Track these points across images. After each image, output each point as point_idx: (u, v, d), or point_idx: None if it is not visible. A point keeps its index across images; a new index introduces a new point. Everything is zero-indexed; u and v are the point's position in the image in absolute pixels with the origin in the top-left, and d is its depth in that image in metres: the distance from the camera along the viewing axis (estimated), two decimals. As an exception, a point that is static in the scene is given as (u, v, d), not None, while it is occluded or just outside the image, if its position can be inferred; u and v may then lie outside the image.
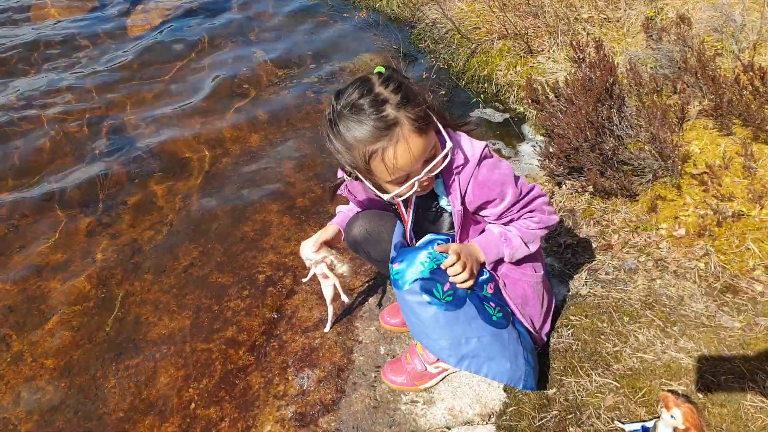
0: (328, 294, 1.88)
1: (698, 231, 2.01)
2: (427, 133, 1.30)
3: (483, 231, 1.59)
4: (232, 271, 2.39)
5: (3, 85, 3.99)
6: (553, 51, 3.29)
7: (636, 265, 1.99)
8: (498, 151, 2.92)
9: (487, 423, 1.64)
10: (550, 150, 2.43)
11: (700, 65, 2.39)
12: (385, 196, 1.39)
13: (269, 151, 3.16)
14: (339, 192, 1.62)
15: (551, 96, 2.60)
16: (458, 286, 1.48)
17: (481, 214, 1.53)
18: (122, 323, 2.20)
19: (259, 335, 2.08)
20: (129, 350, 2.09)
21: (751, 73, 2.22)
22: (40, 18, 5.01)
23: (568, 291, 1.98)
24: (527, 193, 1.49)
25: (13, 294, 2.37)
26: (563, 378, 1.66)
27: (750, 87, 2.23)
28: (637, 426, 1.45)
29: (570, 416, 1.55)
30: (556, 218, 1.57)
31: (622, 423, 1.49)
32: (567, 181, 2.43)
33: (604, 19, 3.35)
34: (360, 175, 1.38)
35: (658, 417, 1.36)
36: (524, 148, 2.94)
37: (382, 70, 1.33)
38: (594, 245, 2.13)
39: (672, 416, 1.30)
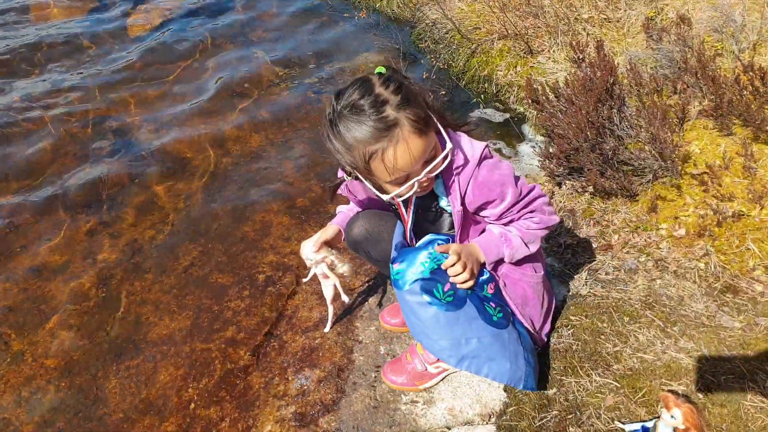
0: (328, 294, 1.88)
1: (698, 231, 2.01)
2: (427, 134, 1.30)
3: (483, 231, 1.59)
4: (232, 271, 2.39)
5: (6, 86, 3.99)
6: (554, 51, 3.29)
7: (636, 265, 1.99)
8: (498, 151, 2.93)
9: (487, 423, 1.64)
10: (550, 150, 2.43)
11: (700, 65, 2.39)
12: (385, 197, 1.39)
13: (270, 151, 3.17)
14: (339, 192, 1.62)
15: (551, 96, 2.60)
16: (459, 286, 1.49)
17: (481, 214, 1.53)
18: (123, 323, 2.20)
19: (260, 335, 2.08)
20: (129, 350, 2.09)
21: (751, 73, 2.22)
22: (42, 18, 5.01)
23: (568, 291, 1.98)
24: (527, 194, 1.49)
25: (13, 294, 2.37)
26: (563, 378, 1.66)
27: (750, 87, 2.23)
28: (637, 426, 1.45)
29: (570, 416, 1.55)
30: (556, 218, 1.57)
31: (622, 423, 1.49)
32: (567, 182, 2.43)
33: (605, 19, 3.35)
34: (360, 176, 1.38)
35: (658, 417, 1.36)
36: (524, 148, 2.94)
37: (383, 70, 1.33)
38: (594, 245, 2.13)
39: (672, 416, 1.30)
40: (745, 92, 2.24)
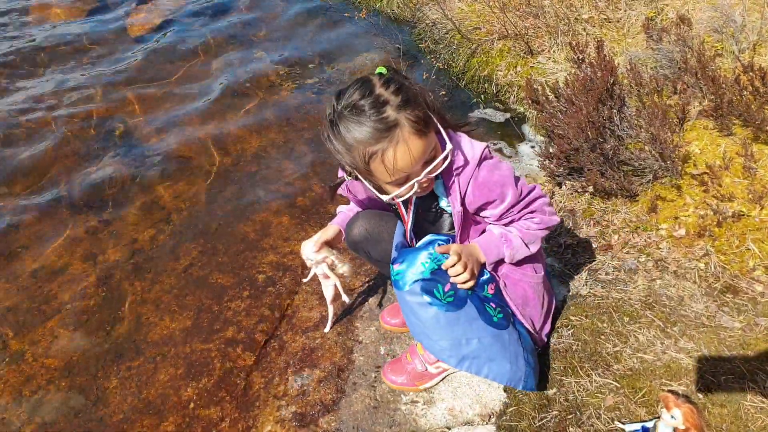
0: (328, 294, 1.88)
1: (698, 231, 2.01)
2: (427, 135, 1.30)
3: (483, 232, 1.59)
4: (232, 271, 2.39)
5: (9, 87, 4.00)
6: (554, 51, 3.29)
7: (636, 266, 1.99)
8: (499, 151, 2.93)
9: (487, 423, 1.64)
10: (551, 150, 2.43)
11: (700, 66, 2.39)
12: (385, 197, 1.39)
13: (270, 151, 3.17)
14: (339, 192, 1.62)
15: (551, 96, 2.60)
16: (459, 286, 1.49)
17: (481, 215, 1.53)
18: (123, 323, 2.20)
19: (260, 335, 2.09)
20: (130, 350, 2.09)
21: (751, 73, 2.22)
22: (45, 19, 5.01)
23: (569, 291, 1.98)
24: (527, 194, 1.49)
25: (13, 294, 2.37)
26: (563, 378, 1.66)
27: (750, 87, 2.24)
28: (637, 426, 1.45)
29: (570, 416, 1.55)
30: (556, 219, 1.57)
31: (622, 423, 1.49)
32: (567, 182, 2.43)
33: (605, 19, 3.35)
34: (360, 176, 1.38)
35: (658, 417, 1.36)
36: (524, 148, 2.94)
37: (383, 70, 1.33)
38: (594, 245, 2.13)
39: (672, 416, 1.30)
40: (745, 92, 2.24)
